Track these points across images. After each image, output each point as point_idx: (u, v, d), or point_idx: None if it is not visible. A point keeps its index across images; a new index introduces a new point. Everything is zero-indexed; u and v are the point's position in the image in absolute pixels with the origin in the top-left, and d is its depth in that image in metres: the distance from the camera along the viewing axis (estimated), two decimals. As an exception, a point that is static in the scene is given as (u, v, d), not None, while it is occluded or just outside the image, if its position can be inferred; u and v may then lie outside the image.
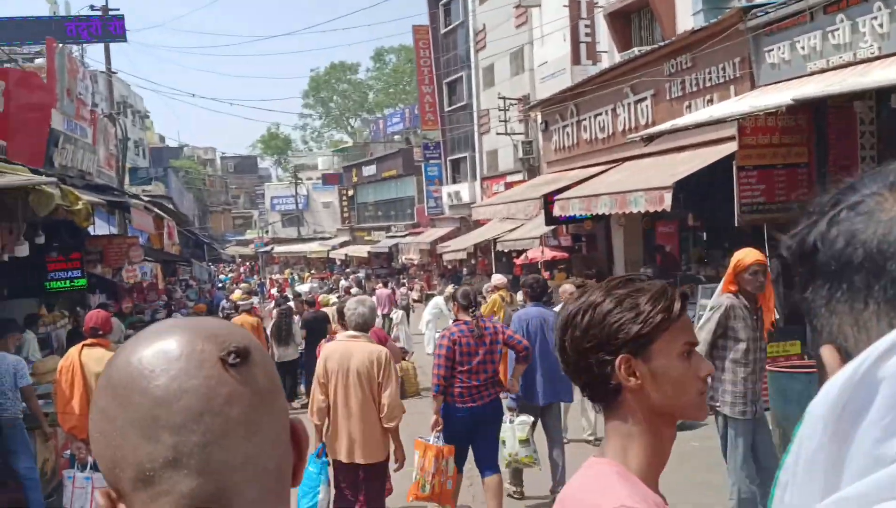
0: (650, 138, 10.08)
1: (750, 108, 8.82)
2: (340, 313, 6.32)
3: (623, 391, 1.33)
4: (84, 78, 12.03)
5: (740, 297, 4.92)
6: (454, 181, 32.46)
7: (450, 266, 30.52)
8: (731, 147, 10.28)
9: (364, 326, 5.30)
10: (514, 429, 6.30)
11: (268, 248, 54.96)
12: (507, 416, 6.33)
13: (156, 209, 17.46)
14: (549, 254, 18.66)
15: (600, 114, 15.03)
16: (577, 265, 18.31)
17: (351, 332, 5.30)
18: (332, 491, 5.30)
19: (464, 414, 5.74)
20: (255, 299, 18.86)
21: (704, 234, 16.56)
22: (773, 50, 10.59)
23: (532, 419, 6.44)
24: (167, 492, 0.74)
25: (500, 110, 25.41)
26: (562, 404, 7.11)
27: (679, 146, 12.39)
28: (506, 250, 22.27)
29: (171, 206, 27.07)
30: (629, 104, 14.06)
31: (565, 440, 7.21)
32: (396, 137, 46.92)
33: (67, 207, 7.33)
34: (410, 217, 38.30)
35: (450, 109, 32.71)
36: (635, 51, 15.10)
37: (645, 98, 13.60)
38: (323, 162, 59.34)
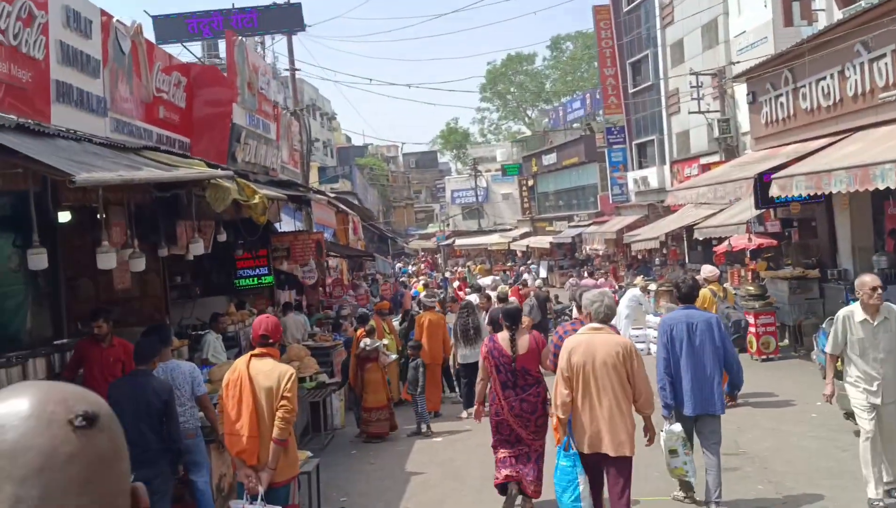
0: (909, 97, 8.24)
1: None
2: (506, 315, 6.43)
3: None
4: (265, 73, 11.88)
5: None
6: (640, 166, 30.80)
7: (638, 256, 28.88)
8: None
9: (608, 317, 5.37)
10: (664, 439, 6.07)
11: (449, 241, 55.39)
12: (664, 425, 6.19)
13: (340, 204, 17.43)
14: (756, 241, 16.75)
15: (823, 78, 12.97)
16: (792, 254, 16.29)
17: (594, 324, 5.33)
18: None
19: None
20: (439, 294, 18.45)
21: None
22: None
23: (680, 428, 6.09)
24: None
25: (691, 87, 23.53)
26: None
27: (927, 110, 10.36)
28: (701, 239, 20.43)
29: (355, 202, 27.50)
30: (861, 64, 11.98)
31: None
32: (575, 124, 45.51)
33: (244, 201, 6.94)
34: (593, 205, 36.92)
35: (634, 90, 31.11)
36: (862, 3, 12.95)
37: (883, 55, 11.49)
38: (501, 154, 58.98)
